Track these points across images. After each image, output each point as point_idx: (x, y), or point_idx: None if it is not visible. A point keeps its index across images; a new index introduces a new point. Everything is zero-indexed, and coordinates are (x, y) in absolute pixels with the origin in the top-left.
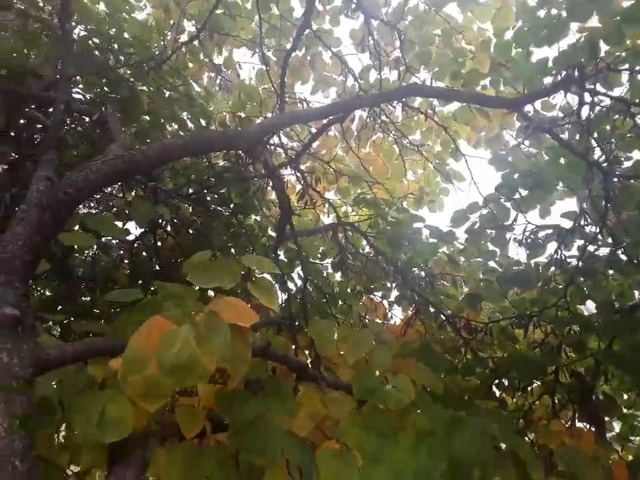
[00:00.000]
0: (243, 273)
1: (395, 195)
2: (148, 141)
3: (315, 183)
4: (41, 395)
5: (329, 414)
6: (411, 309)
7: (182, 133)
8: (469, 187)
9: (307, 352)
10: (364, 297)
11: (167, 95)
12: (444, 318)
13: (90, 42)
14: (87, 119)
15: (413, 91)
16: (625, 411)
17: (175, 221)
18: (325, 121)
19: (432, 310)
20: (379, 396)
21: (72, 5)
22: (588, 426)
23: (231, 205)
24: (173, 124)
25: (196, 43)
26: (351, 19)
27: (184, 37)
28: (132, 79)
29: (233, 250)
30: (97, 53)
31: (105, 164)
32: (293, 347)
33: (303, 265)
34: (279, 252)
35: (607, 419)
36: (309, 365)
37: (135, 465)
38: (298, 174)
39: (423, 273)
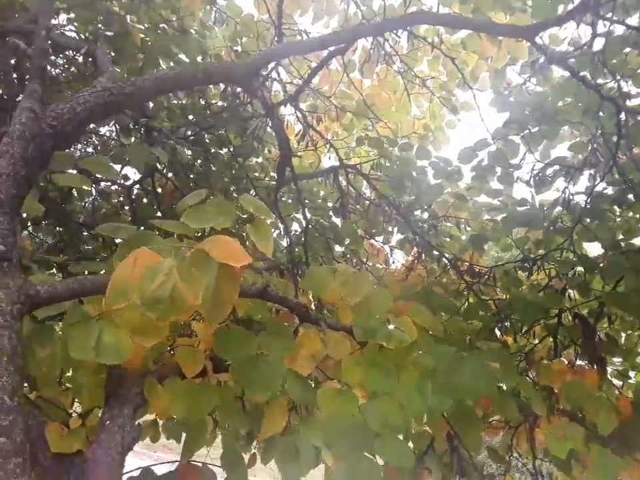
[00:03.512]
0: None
1: (399, 131)
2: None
3: (315, 123)
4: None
5: (329, 354)
6: (413, 253)
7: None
8: (475, 122)
9: (309, 296)
10: (365, 242)
11: (160, 31)
12: (446, 261)
13: None
14: (75, 54)
15: (420, 18)
16: (626, 349)
17: (173, 164)
18: (325, 53)
19: (434, 253)
20: (381, 336)
21: None
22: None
23: (230, 147)
24: (168, 62)
25: None
26: None
27: None
28: (123, 14)
29: (234, 193)
30: None
31: (93, 95)
32: (295, 290)
33: (304, 209)
34: (280, 195)
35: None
36: (310, 307)
37: (132, 402)
38: (298, 113)
39: (426, 215)
